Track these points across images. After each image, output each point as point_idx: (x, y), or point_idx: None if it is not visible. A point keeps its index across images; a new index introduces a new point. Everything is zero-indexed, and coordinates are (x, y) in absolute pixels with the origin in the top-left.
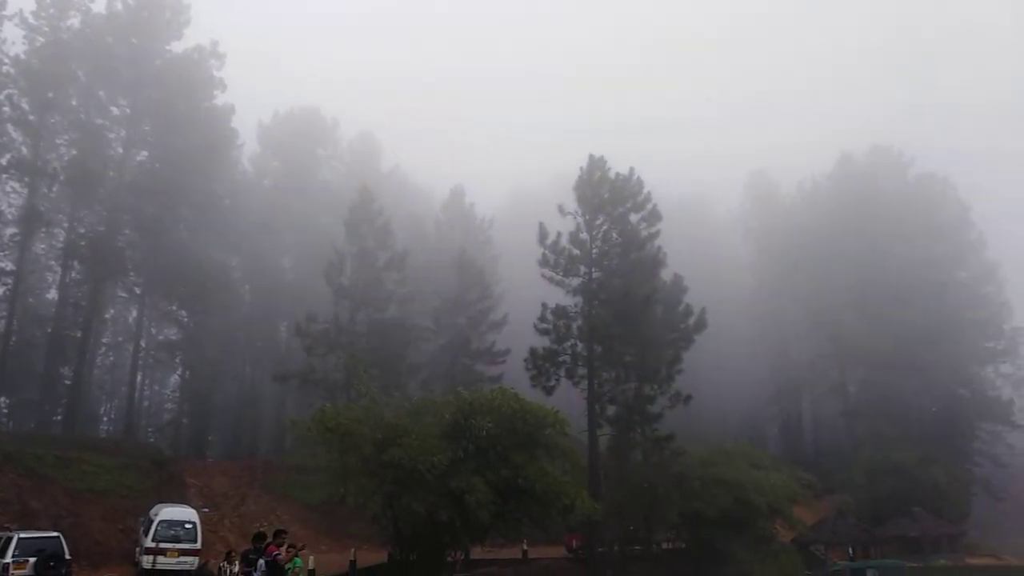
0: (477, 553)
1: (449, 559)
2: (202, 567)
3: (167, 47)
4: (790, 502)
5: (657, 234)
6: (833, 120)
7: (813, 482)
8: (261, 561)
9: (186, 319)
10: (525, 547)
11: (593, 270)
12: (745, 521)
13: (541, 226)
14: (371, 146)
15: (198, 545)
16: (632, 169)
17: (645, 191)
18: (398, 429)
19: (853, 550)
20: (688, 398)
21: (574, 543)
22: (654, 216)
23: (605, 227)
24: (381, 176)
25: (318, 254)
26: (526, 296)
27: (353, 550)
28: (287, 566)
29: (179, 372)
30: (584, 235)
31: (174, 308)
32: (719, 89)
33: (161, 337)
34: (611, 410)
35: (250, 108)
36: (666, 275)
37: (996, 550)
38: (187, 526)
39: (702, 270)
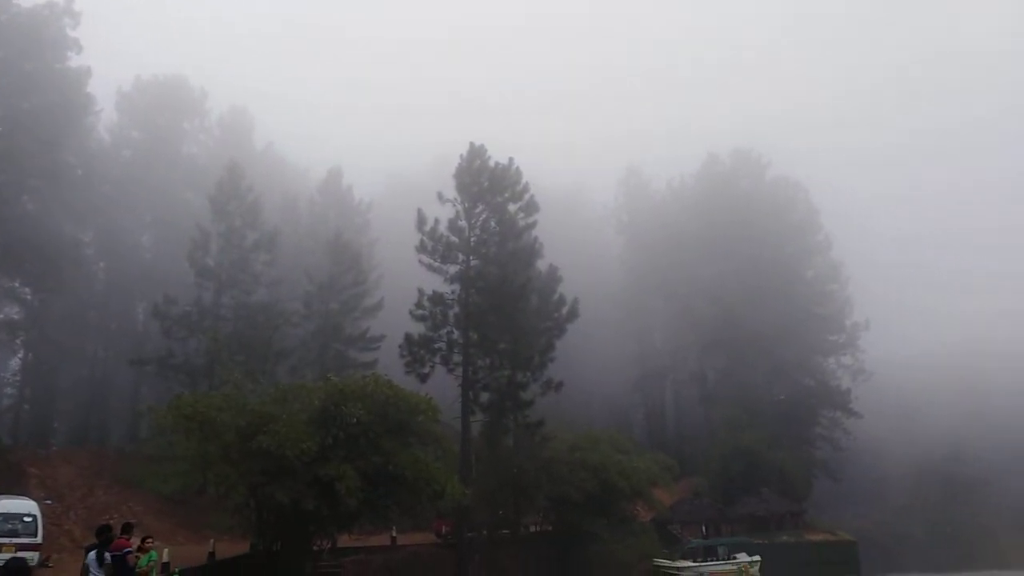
0: (345, 541)
1: (315, 548)
2: (43, 562)
3: (13, 0)
4: (651, 484)
5: (534, 224)
6: (707, 120)
7: (673, 465)
8: (107, 555)
9: (30, 297)
10: (394, 534)
11: (471, 258)
12: (609, 503)
13: (420, 212)
14: (243, 121)
15: (39, 539)
16: (511, 159)
17: (523, 181)
18: (264, 416)
19: (706, 528)
20: (559, 385)
21: (443, 529)
22: (531, 206)
23: (484, 216)
24: (253, 153)
25: (181, 232)
26: (403, 282)
27: (212, 541)
28: (140, 560)
29: (20, 354)
30: (463, 223)
31: (16, 285)
32: (602, 81)
33: (1, 316)
34: (484, 397)
35: (109, 73)
36: (541, 265)
37: (832, 527)
38: (26, 519)
39: (576, 261)
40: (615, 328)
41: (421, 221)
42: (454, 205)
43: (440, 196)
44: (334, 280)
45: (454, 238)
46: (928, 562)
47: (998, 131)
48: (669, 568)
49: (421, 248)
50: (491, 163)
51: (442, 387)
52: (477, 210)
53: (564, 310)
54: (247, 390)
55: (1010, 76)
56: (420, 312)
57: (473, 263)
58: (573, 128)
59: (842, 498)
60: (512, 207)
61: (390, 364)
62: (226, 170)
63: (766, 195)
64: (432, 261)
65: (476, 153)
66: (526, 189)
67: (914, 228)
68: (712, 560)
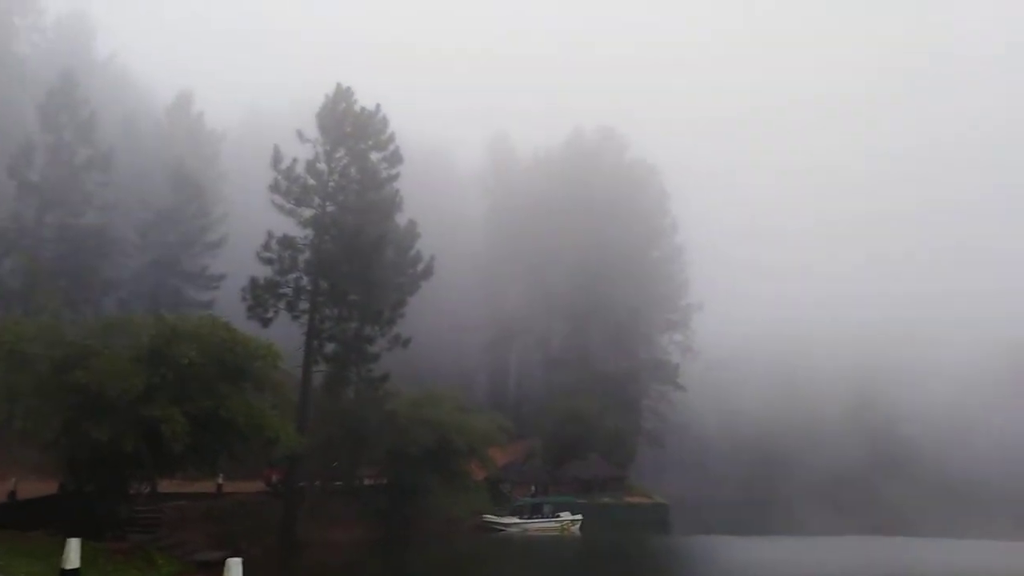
0: (166, 486)
1: (132, 492)
2: None
3: None
4: (487, 444)
5: (396, 176)
6: (578, 94)
7: (510, 426)
8: None
9: None
10: (220, 481)
11: (327, 203)
12: (444, 460)
13: (276, 149)
14: (84, 27)
15: None
16: (379, 106)
17: (389, 131)
18: (84, 349)
19: (535, 488)
20: (407, 341)
21: (273, 478)
22: (395, 158)
23: (345, 161)
24: (93, 63)
25: (5, 139)
26: (251, 222)
27: (14, 480)
28: None
29: None
30: (322, 166)
31: None
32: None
33: None
34: (329, 348)
35: None
36: (400, 219)
37: (649, 491)
38: None
39: (436, 219)
40: (470, 290)
41: (277, 159)
42: (314, 147)
43: (300, 135)
44: (174, 210)
45: (311, 181)
46: (736, 526)
47: (827, 130)
48: (497, 524)
49: (275, 188)
50: (357, 108)
51: (285, 334)
52: (338, 155)
53: (420, 267)
54: (67, 319)
55: (840, 71)
56: (268, 255)
57: (329, 209)
58: (443, 88)
59: (663, 465)
60: (375, 156)
61: (230, 306)
62: (59, 77)
63: (625, 175)
64: (285, 202)
65: (342, 96)
66: (391, 139)
67: (748, 221)
68: (537, 518)
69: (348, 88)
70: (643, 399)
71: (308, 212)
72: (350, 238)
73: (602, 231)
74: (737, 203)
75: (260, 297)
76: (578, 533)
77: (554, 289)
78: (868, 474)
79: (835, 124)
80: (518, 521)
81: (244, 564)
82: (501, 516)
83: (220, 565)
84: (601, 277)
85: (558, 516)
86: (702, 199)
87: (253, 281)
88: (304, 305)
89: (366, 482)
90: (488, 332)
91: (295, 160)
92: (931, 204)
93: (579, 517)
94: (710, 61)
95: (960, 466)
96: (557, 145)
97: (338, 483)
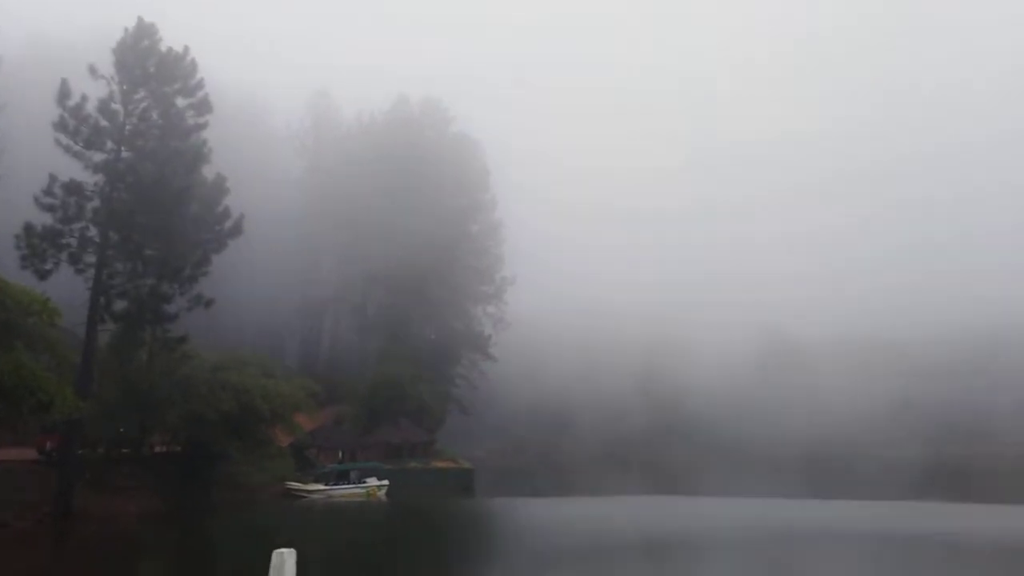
0: None
1: None
2: None
3: None
4: (294, 410)
5: (205, 126)
6: (406, 61)
7: (319, 392)
8: None
9: None
10: None
11: (123, 148)
12: (247, 426)
13: (64, 83)
14: None
15: None
16: (187, 48)
17: (199, 77)
18: None
19: (343, 454)
20: (210, 302)
21: (48, 444)
22: (204, 106)
23: (145, 104)
24: None
25: None
26: (30, 163)
27: None
28: None
29: None
30: (117, 106)
31: None
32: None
33: None
34: (120, 305)
35: None
36: (208, 172)
37: (456, 456)
38: None
39: (248, 176)
40: (283, 252)
41: (64, 94)
42: (109, 84)
43: (92, 70)
44: None
45: (104, 122)
46: (535, 488)
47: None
48: (301, 491)
49: (60, 126)
50: (162, 47)
51: (68, 289)
52: (138, 96)
53: (228, 224)
54: None
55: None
56: (49, 200)
57: (125, 155)
58: (261, 39)
59: (472, 431)
60: (181, 101)
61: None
62: None
63: (448, 147)
64: (72, 143)
65: (145, 31)
66: (200, 86)
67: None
68: (343, 484)
69: (152, 24)
70: (455, 367)
71: (99, 156)
72: (148, 188)
73: (422, 201)
74: (554, 182)
75: (37, 247)
76: (384, 498)
77: (371, 256)
78: (654, 439)
79: (652, 113)
80: (323, 488)
81: (8, 536)
82: (306, 483)
83: None
84: (419, 247)
85: (364, 482)
86: (522, 175)
87: (28, 228)
88: (90, 258)
89: (157, 450)
90: (300, 296)
91: (85, 97)
92: (705, 202)
93: (386, 482)
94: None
95: (732, 434)
96: (381, 110)
97: (125, 451)
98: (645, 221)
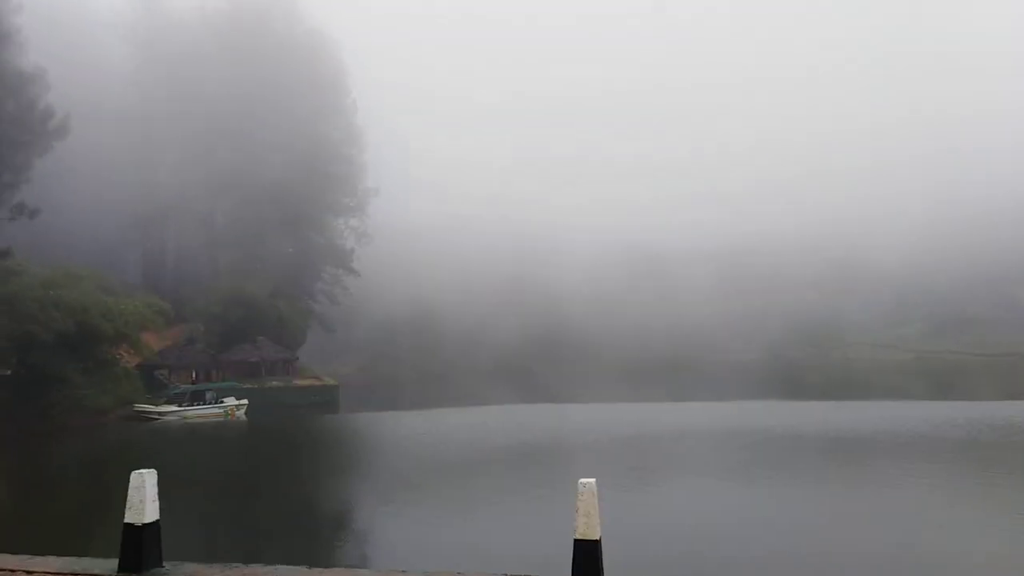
0: None
1: None
2: None
3: None
4: (140, 328)
5: (18, 9)
6: None
7: (167, 310)
8: None
9: None
10: None
11: None
12: (86, 346)
13: None
14: None
15: None
16: None
17: None
18: None
19: (197, 374)
20: (35, 212)
21: None
22: None
23: None
24: None
25: None
26: None
27: None
28: None
29: None
30: None
31: None
32: None
33: None
34: None
35: None
36: (25, 64)
37: (319, 373)
38: None
39: (72, 72)
40: (117, 157)
41: None
42: None
43: None
44: None
45: None
46: (404, 402)
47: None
48: (151, 413)
49: None
50: None
51: None
52: None
53: (51, 124)
54: None
55: None
56: None
57: None
58: None
59: (339, 347)
60: None
61: None
62: None
63: (300, 44)
64: None
65: None
66: None
67: (429, 109)
68: (199, 404)
69: None
70: (316, 283)
71: None
72: None
73: (273, 102)
74: (423, 88)
75: None
76: (244, 418)
77: (217, 161)
78: (526, 349)
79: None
80: (176, 409)
81: None
82: (158, 404)
83: None
84: (272, 152)
85: (222, 402)
86: (385, 80)
87: None
88: None
89: None
90: (140, 206)
91: None
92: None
93: (244, 402)
94: None
95: (601, 343)
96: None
97: None
98: (521, 136)
